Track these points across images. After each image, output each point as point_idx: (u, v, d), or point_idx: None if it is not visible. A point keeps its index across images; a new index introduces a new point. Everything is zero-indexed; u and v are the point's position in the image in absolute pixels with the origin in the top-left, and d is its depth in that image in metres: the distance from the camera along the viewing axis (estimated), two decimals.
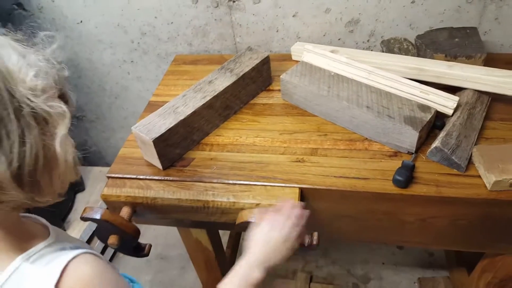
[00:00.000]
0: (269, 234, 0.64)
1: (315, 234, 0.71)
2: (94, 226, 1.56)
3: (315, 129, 0.93)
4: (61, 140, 0.46)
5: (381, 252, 1.55)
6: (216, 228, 1.05)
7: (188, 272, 1.57)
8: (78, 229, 1.47)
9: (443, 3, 1.05)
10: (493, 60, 1.08)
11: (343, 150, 0.86)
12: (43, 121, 0.44)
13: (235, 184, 0.83)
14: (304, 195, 0.81)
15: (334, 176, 0.80)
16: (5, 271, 0.46)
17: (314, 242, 0.70)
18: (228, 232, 1.48)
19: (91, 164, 1.74)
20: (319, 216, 0.84)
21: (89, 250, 0.52)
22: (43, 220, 0.59)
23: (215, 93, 0.92)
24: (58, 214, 1.46)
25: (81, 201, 1.58)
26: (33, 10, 1.31)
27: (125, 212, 0.81)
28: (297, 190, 0.79)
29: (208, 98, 0.90)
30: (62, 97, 0.49)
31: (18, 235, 0.50)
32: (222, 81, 0.95)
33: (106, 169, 1.65)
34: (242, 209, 0.79)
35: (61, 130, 0.46)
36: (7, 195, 0.43)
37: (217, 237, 1.16)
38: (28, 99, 0.43)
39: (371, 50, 1.18)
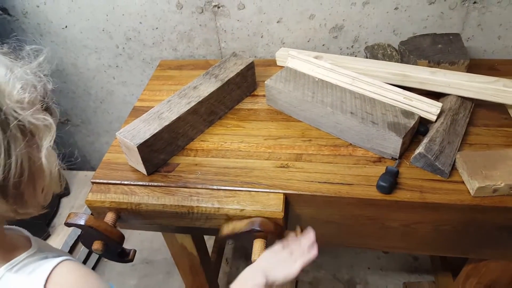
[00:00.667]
0: (278, 251, 0.70)
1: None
2: (79, 231, 1.54)
3: (300, 135, 0.93)
4: (46, 152, 0.47)
5: (366, 256, 1.55)
6: (201, 233, 1.04)
7: (173, 277, 1.55)
8: (63, 234, 1.44)
9: (426, 9, 1.06)
10: (476, 66, 1.10)
11: (327, 156, 0.86)
12: (29, 134, 0.45)
13: (220, 189, 0.82)
14: (288, 201, 0.80)
15: (319, 182, 0.80)
16: None
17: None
18: (214, 236, 1.47)
19: (76, 168, 1.71)
20: (303, 222, 0.84)
21: (71, 258, 0.53)
22: (25, 232, 0.59)
23: (200, 99, 0.91)
24: (43, 218, 1.43)
25: (66, 205, 1.55)
26: (17, 15, 1.29)
27: (109, 217, 0.80)
28: (282, 196, 0.79)
29: (192, 104, 0.90)
30: (47, 109, 0.49)
31: (1, 246, 0.50)
32: (207, 87, 0.95)
33: (91, 173, 1.63)
34: (226, 214, 0.78)
35: (47, 142, 0.47)
36: None
37: (202, 242, 1.15)
38: (15, 111, 0.43)
39: (355, 56, 1.19)
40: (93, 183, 0.87)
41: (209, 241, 1.42)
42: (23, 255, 0.50)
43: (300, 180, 0.81)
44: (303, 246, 0.71)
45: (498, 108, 0.91)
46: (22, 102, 0.44)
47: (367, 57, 1.10)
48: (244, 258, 1.62)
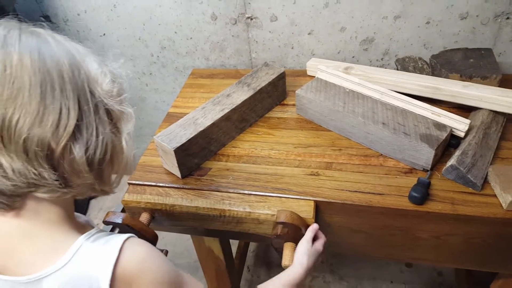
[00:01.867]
0: (315, 251, 0.74)
1: None
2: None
3: (330, 144, 0.94)
4: (126, 138, 0.54)
5: (389, 270, 1.53)
6: (230, 237, 1.06)
7: None
8: None
9: (458, 24, 1.07)
10: (508, 81, 1.09)
11: (358, 165, 0.87)
12: (114, 119, 0.52)
13: (251, 194, 0.84)
14: (318, 208, 0.82)
15: (349, 191, 0.81)
16: (70, 249, 0.50)
17: None
18: (237, 243, 1.49)
19: None
20: (332, 230, 0.85)
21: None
22: (84, 216, 0.65)
23: (233, 106, 0.94)
24: None
25: (95, 207, 1.60)
26: (59, 23, 1.36)
27: (144, 217, 0.83)
28: (312, 203, 0.80)
29: (226, 111, 0.93)
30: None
31: (75, 221, 0.56)
32: (239, 95, 0.98)
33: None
34: (257, 219, 0.80)
35: (127, 128, 0.54)
36: (80, 178, 0.49)
37: (228, 247, 1.17)
38: (105, 98, 0.50)
39: (385, 68, 1.20)
40: (129, 184, 0.90)
41: (232, 248, 1.44)
42: (94, 230, 0.55)
43: (330, 188, 0.83)
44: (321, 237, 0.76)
45: None
46: (111, 92, 0.51)
47: (397, 69, 1.11)
48: (266, 266, 1.63)
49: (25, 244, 0.49)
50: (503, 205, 0.74)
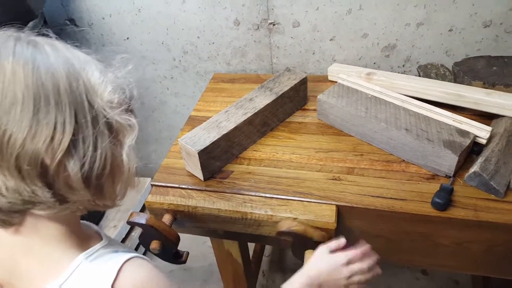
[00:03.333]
0: (332, 257, 0.70)
1: None
2: (123, 234, 1.61)
3: (351, 149, 0.95)
4: (127, 150, 0.51)
5: (404, 277, 1.52)
6: (250, 240, 1.07)
7: (210, 285, 1.58)
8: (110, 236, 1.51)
9: (481, 32, 1.07)
10: None
11: (380, 171, 0.88)
12: (114, 131, 0.49)
13: (273, 198, 0.85)
14: (340, 213, 0.82)
15: (372, 196, 0.82)
16: (69, 267, 0.49)
17: None
18: (253, 247, 1.50)
19: None
20: (354, 235, 0.86)
21: (141, 256, 0.55)
22: (95, 226, 0.63)
23: (256, 110, 0.96)
24: (92, 220, 1.51)
25: (112, 209, 1.62)
26: (83, 26, 1.39)
27: (167, 219, 0.85)
28: (334, 207, 0.81)
29: (249, 115, 0.94)
30: (132, 111, 0.54)
31: (79, 235, 0.54)
32: (262, 99, 0.99)
33: (136, 179, 1.70)
34: (277, 222, 0.81)
35: (129, 140, 0.51)
36: (75, 195, 0.46)
37: (247, 251, 1.18)
38: (105, 110, 0.47)
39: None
40: (152, 185, 0.92)
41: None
42: (97, 245, 0.54)
43: (352, 193, 0.83)
44: (364, 263, 0.70)
45: None
46: (111, 102, 0.48)
47: (419, 76, 1.11)
48: (281, 271, 1.63)
49: (27, 260, 0.49)
50: None
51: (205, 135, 0.89)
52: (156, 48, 1.37)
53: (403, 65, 1.19)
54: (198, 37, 1.30)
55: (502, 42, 1.08)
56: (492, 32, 1.06)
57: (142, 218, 0.80)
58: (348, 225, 0.85)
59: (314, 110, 1.07)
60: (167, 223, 0.84)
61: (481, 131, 0.85)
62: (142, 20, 1.32)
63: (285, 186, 0.87)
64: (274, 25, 1.20)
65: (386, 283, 1.51)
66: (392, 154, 0.91)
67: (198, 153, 0.85)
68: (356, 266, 0.69)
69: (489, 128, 0.85)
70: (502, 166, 0.81)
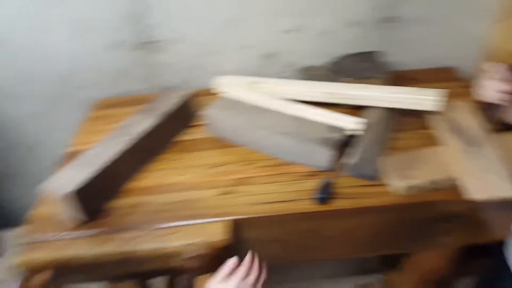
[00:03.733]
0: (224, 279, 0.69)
1: None
2: None
3: (241, 159, 0.96)
4: None
5: (318, 265, 1.58)
6: (148, 277, 1.01)
7: None
8: None
9: (350, 32, 1.16)
10: (399, 78, 1.19)
11: (268, 176, 0.90)
12: None
13: (163, 228, 0.81)
14: (235, 227, 0.82)
15: (262, 203, 0.83)
16: None
17: None
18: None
19: (5, 225, 1.59)
20: (250, 245, 0.86)
21: None
22: None
23: (137, 136, 0.92)
24: None
25: None
26: None
27: (41, 278, 0.76)
28: (227, 223, 0.80)
29: (129, 142, 0.90)
30: None
31: None
32: (144, 123, 0.96)
33: (20, 229, 1.52)
34: (172, 252, 0.77)
35: None
36: None
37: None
38: None
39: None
40: (23, 241, 0.81)
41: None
42: None
43: (244, 204, 0.83)
44: (251, 277, 0.70)
45: (414, 113, 0.99)
46: None
47: (302, 79, 1.16)
48: None
49: None
50: (396, 192, 0.80)
51: (79, 173, 0.81)
52: (24, 82, 1.25)
53: (287, 70, 1.24)
54: (74, 63, 1.22)
55: (369, 38, 1.17)
56: (360, 30, 1.15)
57: None
58: (244, 236, 0.85)
59: (204, 125, 1.06)
60: (41, 283, 0.75)
61: (353, 124, 0.91)
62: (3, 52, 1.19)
63: (175, 212, 0.84)
64: (154, 43, 1.18)
65: (300, 274, 1.54)
66: (278, 158, 0.94)
67: (71, 195, 0.77)
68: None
69: (360, 120, 0.92)
70: (372, 154, 0.87)
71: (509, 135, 0.90)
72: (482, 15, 1.13)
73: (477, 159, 0.82)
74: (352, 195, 0.82)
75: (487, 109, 0.78)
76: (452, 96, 1.09)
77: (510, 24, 0.68)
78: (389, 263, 1.38)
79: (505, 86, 0.73)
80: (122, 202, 0.88)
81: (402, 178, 0.80)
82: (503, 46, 0.70)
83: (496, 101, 0.76)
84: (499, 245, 0.91)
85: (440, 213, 0.82)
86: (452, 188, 0.80)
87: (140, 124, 0.96)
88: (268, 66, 1.23)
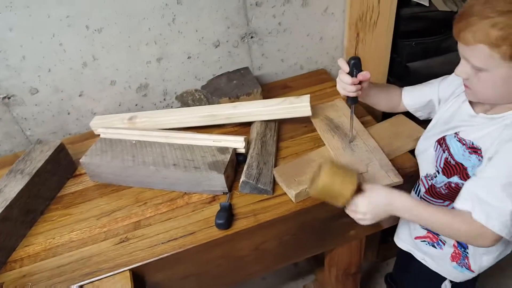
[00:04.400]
0: None
1: None
2: None
3: (134, 201, 0.91)
4: None
5: (251, 281, 1.58)
6: None
7: None
8: None
9: (215, 52, 1.18)
10: (273, 88, 1.26)
11: (166, 213, 0.86)
12: None
13: None
14: (137, 275, 0.77)
15: (162, 243, 0.79)
16: None
17: None
18: None
19: None
20: (163, 286, 0.82)
21: None
22: None
23: (7, 203, 0.81)
24: None
25: None
26: None
27: None
28: (128, 273, 0.75)
29: (2, 210, 0.79)
30: None
31: None
32: (13, 187, 0.85)
33: None
34: None
35: None
36: None
37: None
38: None
39: (171, 107, 1.24)
40: None
41: None
42: None
43: (143, 249, 0.79)
44: None
45: (297, 120, 1.05)
46: None
47: (180, 106, 1.15)
48: None
49: None
50: (292, 199, 0.84)
51: None
52: None
53: (164, 99, 1.21)
54: None
55: (236, 56, 1.21)
56: (224, 49, 1.18)
57: None
58: (152, 281, 0.80)
59: (86, 174, 0.99)
60: None
61: (238, 143, 0.92)
62: None
63: (70, 273, 0.76)
64: (9, 98, 1.05)
65: None
66: (174, 191, 0.91)
67: None
68: None
69: (242, 138, 0.94)
70: (263, 167, 0.89)
71: (381, 124, 1.01)
72: (333, 17, 1.24)
73: (355, 153, 0.90)
74: (251, 212, 0.83)
75: (348, 102, 0.85)
76: (326, 96, 1.19)
77: (331, 170, 0.72)
78: (317, 263, 1.43)
79: (345, 79, 0.80)
80: (9, 276, 0.78)
81: (292, 187, 0.83)
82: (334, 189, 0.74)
83: (347, 94, 0.82)
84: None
85: (337, 210, 0.86)
86: None
87: (7, 189, 0.85)
88: (143, 99, 1.19)
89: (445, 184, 0.78)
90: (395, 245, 0.98)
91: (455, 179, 0.75)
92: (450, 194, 0.78)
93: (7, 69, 1.00)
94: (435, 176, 0.80)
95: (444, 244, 0.85)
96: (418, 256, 0.92)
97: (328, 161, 0.71)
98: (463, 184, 0.70)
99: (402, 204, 0.69)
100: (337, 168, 0.70)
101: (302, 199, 0.84)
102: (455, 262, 0.85)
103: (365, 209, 0.71)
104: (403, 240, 0.96)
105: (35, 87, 1.06)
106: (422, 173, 0.86)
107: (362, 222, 0.74)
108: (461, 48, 0.66)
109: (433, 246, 0.87)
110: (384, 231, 1.11)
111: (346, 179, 0.69)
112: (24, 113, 1.10)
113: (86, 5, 0.97)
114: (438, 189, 0.80)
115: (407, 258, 0.96)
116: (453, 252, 0.84)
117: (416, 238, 0.91)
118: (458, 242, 0.83)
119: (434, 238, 0.87)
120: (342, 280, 1.23)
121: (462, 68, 0.67)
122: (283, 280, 1.59)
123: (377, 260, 1.59)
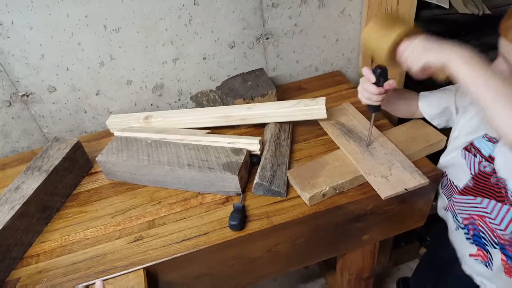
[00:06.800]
0: None
1: None
2: None
3: (148, 200, 0.91)
4: None
5: (262, 282, 1.58)
6: None
7: None
8: None
9: (230, 53, 1.18)
10: (287, 90, 1.26)
11: (180, 213, 0.87)
12: None
13: None
14: (152, 273, 0.77)
15: (176, 243, 0.80)
16: None
17: None
18: None
19: None
20: (177, 285, 0.82)
21: None
22: None
23: (25, 199, 0.82)
24: None
25: None
26: None
27: None
28: (142, 272, 0.75)
29: (17, 208, 0.81)
30: None
31: None
32: (30, 184, 0.86)
33: None
34: None
35: None
36: None
37: None
38: None
39: (186, 107, 1.24)
40: None
41: None
42: None
43: (157, 247, 0.79)
44: None
45: (311, 122, 1.05)
46: None
47: (195, 106, 1.15)
48: None
49: None
50: (306, 202, 0.83)
51: None
52: None
53: (179, 99, 1.22)
54: None
55: (251, 57, 1.21)
56: (239, 50, 1.18)
57: None
58: (165, 280, 0.81)
59: (101, 172, 1.00)
60: None
61: (252, 145, 0.92)
62: None
63: (85, 270, 0.77)
64: (27, 96, 1.07)
65: None
66: (187, 191, 0.91)
67: None
68: None
69: (257, 139, 0.93)
70: (277, 169, 0.89)
71: (397, 128, 1.00)
72: (350, 19, 1.23)
73: (374, 156, 0.89)
74: (264, 214, 0.83)
75: (370, 110, 0.84)
76: (341, 98, 1.18)
77: (373, 25, 0.73)
78: (328, 266, 1.43)
79: (370, 89, 0.79)
80: (26, 271, 0.79)
81: (306, 189, 0.83)
82: (371, 46, 0.74)
83: (371, 104, 0.81)
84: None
85: (351, 214, 0.87)
86: (357, 188, 0.86)
87: (25, 186, 0.86)
88: (158, 99, 1.20)
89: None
90: (407, 250, 0.96)
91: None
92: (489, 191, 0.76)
93: (26, 67, 1.02)
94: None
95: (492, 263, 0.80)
96: (477, 280, 0.86)
97: (378, 15, 0.72)
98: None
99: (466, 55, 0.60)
100: (379, 24, 0.70)
101: (316, 202, 0.83)
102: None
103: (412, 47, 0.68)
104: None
105: (53, 85, 1.07)
106: (456, 183, 0.84)
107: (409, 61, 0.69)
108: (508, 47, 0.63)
109: (485, 265, 0.82)
110: (396, 237, 1.10)
111: (384, 33, 0.69)
112: (42, 111, 1.12)
113: (104, 5, 0.98)
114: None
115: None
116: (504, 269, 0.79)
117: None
118: (505, 255, 0.78)
119: (485, 257, 0.82)
120: (354, 285, 1.22)
121: (501, 67, 0.66)
122: (293, 282, 1.59)
123: (389, 264, 1.58)
